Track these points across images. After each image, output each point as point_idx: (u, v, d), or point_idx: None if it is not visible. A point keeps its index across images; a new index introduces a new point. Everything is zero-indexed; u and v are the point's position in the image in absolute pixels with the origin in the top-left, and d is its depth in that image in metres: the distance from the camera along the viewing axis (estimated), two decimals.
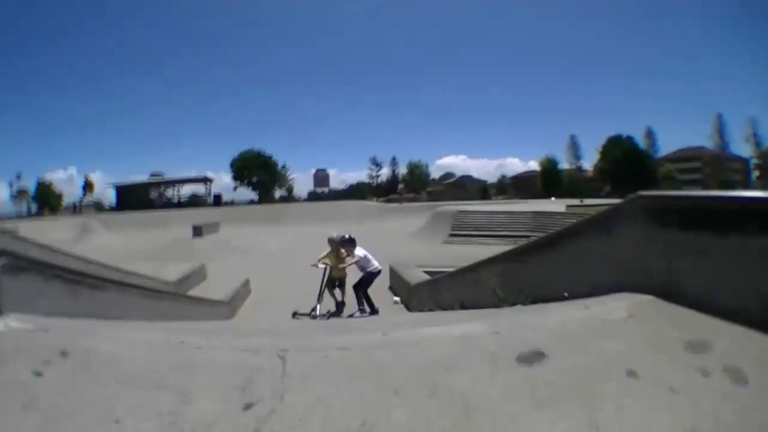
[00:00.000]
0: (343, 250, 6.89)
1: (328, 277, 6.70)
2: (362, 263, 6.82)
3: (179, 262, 11.16)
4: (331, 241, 6.96)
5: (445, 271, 9.90)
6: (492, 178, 64.24)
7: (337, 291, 6.96)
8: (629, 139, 50.93)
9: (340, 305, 6.86)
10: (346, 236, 6.96)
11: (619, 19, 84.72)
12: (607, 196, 42.47)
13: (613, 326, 1.57)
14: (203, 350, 1.73)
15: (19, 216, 41.54)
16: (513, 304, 2.69)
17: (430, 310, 5.81)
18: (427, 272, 8.44)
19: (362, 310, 6.75)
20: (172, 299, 4.43)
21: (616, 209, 2.11)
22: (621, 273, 1.96)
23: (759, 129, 52.48)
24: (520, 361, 1.31)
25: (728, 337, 1.38)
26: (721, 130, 53.72)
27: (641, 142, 52.38)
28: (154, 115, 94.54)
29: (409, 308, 7.38)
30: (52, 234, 21.37)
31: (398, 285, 8.74)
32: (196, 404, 1.14)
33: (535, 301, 2.47)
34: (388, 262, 9.24)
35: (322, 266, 6.77)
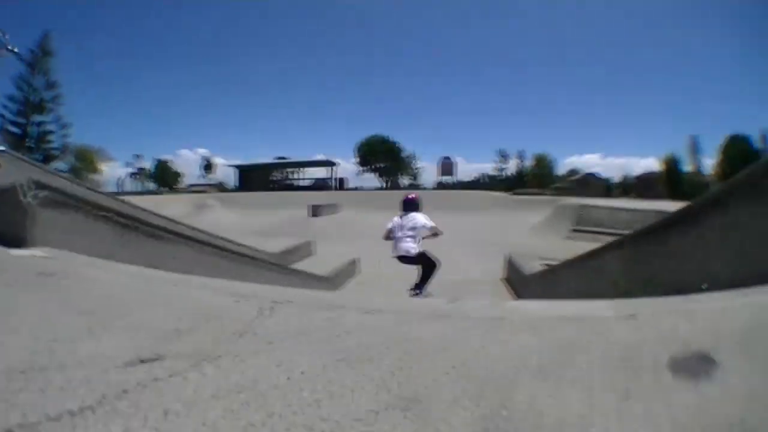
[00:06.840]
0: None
1: None
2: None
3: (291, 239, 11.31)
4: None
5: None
6: (616, 176, 56.19)
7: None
8: (746, 139, 44.39)
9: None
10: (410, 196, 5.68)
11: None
12: None
13: None
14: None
15: (135, 193, 38.21)
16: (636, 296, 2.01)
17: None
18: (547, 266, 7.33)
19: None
20: (257, 264, 4.27)
21: None
22: None
23: None
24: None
25: None
26: None
27: (758, 144, 43.94)
28: (281, 103, 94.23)
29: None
30: (166, 209, 22.25)
31: (513, 275, 7.77)
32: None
33: (666, 293, 1.72)
34: (509, 252, 8.66)
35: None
